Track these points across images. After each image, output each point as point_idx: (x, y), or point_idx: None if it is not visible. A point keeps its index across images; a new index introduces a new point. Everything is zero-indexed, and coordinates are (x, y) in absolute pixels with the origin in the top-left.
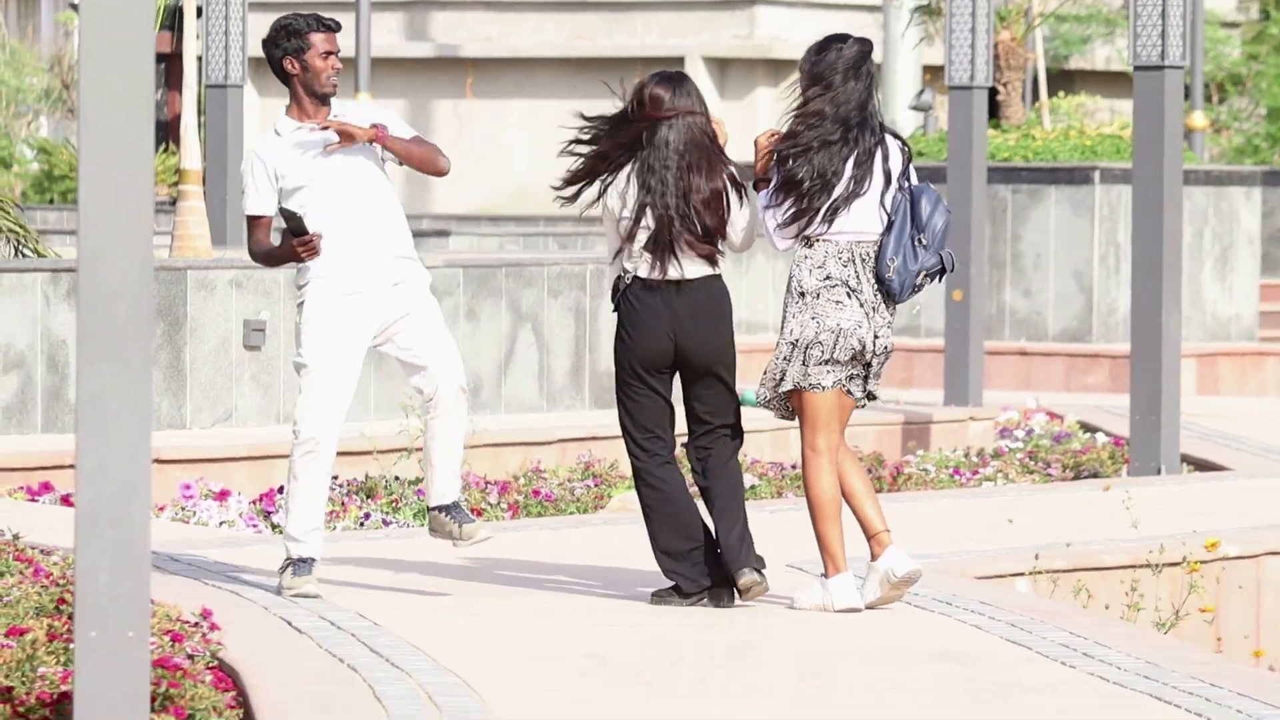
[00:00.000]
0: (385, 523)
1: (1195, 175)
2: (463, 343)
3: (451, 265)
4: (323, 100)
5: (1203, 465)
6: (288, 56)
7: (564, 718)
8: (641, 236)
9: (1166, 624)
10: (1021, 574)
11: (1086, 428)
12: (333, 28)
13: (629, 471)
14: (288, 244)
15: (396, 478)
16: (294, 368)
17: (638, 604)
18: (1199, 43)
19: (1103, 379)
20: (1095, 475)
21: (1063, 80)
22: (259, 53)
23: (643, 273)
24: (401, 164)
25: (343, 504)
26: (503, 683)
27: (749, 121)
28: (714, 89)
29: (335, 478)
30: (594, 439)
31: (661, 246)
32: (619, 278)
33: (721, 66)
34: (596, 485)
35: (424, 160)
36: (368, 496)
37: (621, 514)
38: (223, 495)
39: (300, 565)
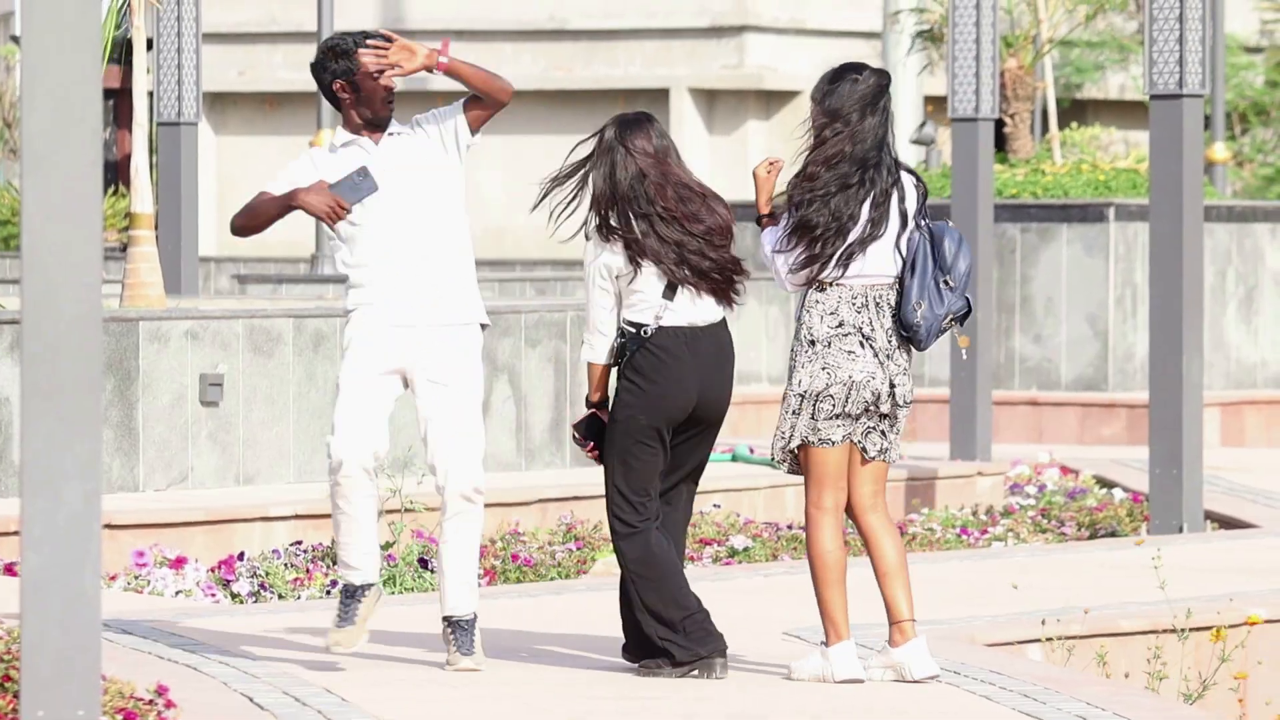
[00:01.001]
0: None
1: (1217, 211)
2: None
3: None
4: (378, 126)
5: (1228, 522)
6: (337, 80)
7: None
8: (655, 282)
9: (1193, 695)
10: (1035, 640)
11: (1103, 483)
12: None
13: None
14: (321, 193)
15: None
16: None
17: (623, 674)
18: (1219, 70)
19: (1120, 430)
20: (1113, 534)
21: (1074, 111)
22: (213, 88)
23: (669, 321)
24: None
25: (307, 570)
26: None
27: (739, 155)
28: (702, 121)
29: (299, 542)
30: (576, 499)
31: (689, 286)
32: (636, 331)
33: (709, 98)
34: (579, 548)
35: (490, 84)
36: (334, 563)
37: (605, 578)
38: (179, 563)
39: (347, 605)
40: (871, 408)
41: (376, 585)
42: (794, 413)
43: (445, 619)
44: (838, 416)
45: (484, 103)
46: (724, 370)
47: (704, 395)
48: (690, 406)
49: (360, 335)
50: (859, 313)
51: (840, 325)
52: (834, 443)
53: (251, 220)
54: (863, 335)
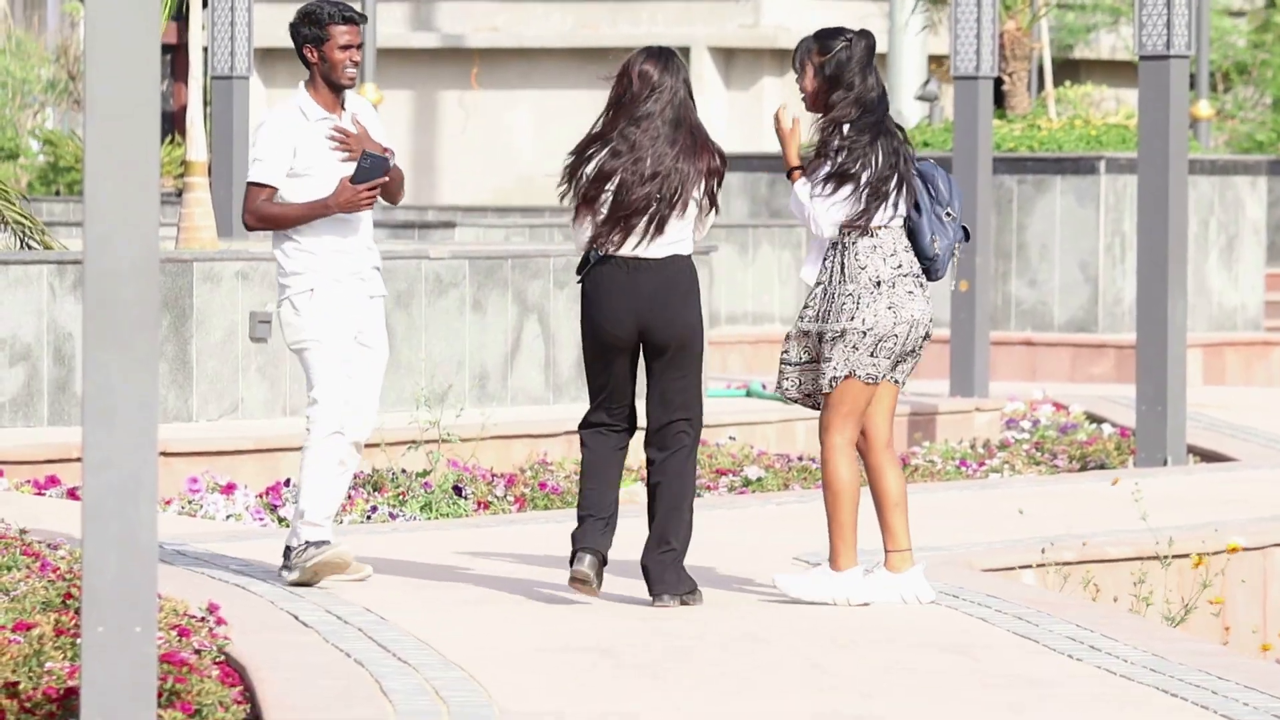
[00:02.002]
0: (392, 516)
1: (1201, 165)
2: (469, 334)
3: (457, 256)
4: (337, 90)
5: (1209, 456)
6: (307, 44)
7: (569, 710)
8: (603, 208)
9: (1176, 618)
10: (1029, 566)
11: (1093, 418)
12: (355, 20)
13: (634, 464)
14: (350, 190)
15: (404, 471)
16: (298, 353)
17: (645, 596)
18: (1205, 32)
19: (1109, 369)
20: (1102, 466)
21: (1068, 70)
22: (265, 44)
23: (607, 249)
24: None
25: (349, 496)
26: (509, 676)
27: (755, 110)
28: (720, 78)
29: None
30: None
31: (627, 221)
32: (588, 253)
33: (727, 56)
34: None
35: (396, 189)
36: (375, 489)
37: (629, 505)
38: (229, 489)
39: (321, 546)
40: (919, 344)
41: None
42: (853, 348)
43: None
44: (894, 353)
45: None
46: (669, 301)
47: (647, 323)
48: (626, 334)
49: (323, 294)
50: (906, 253)
51: (900, 267)
52: (877, 379)
53: (276, 228)
54: (915, 276)
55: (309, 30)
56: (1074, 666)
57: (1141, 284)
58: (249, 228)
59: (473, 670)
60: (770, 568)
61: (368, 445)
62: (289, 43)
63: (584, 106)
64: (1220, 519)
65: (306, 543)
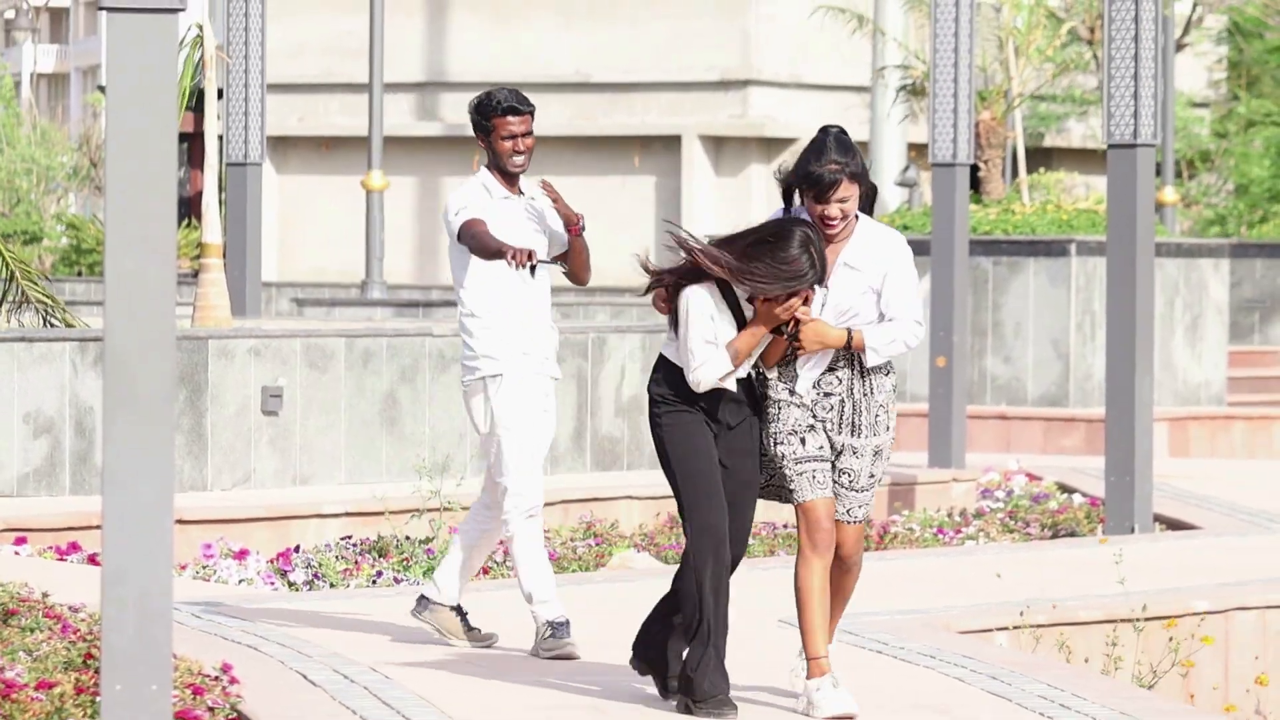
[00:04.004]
0: (396, 580)
1: (1167, 247)
2: None
3: (459, 334)
4: (509, 178)
5: (1174, 524)
6: (478, 133)
7: None
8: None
9: (1146, 681)
10: (1004, 628)
11: (1064, 488)
12: (520, 110)
13: (627, 532)
14: (508, 247)
15: (408, 537)
16: (493, 439)
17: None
18: (1170, 122)
19: (1079, 441)
20: (1072, 534)
21: (1040, 157)
22: (276, 132)
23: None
24: (558, 261)
25: (355, 562)
26: None
27: (743, 195)
28: (710, 165)
29: (349, 537)
30: (595, 499)
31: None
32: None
33: (717, 144)
34: (598, 544)
35: (586, 264)
36: (380, 555)
37: (622, 571)
38: (242, 554)
39: (560, 628)
40: None
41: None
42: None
43: (548, 622)
44: None
45: (569, 269)
46: None
47: None
48: None
49: (513, 383)
50: None
51: None
52: None
53: (473, 247)
54: None
55: (476, 119)
56: None
57: (1110, 360)
58: (466, 237)
59: None
60: (754, 629)
61: (373, 513)
62: (299, 130)
63: (580, 193)
64: (1186, 584)
65: (548, 623)
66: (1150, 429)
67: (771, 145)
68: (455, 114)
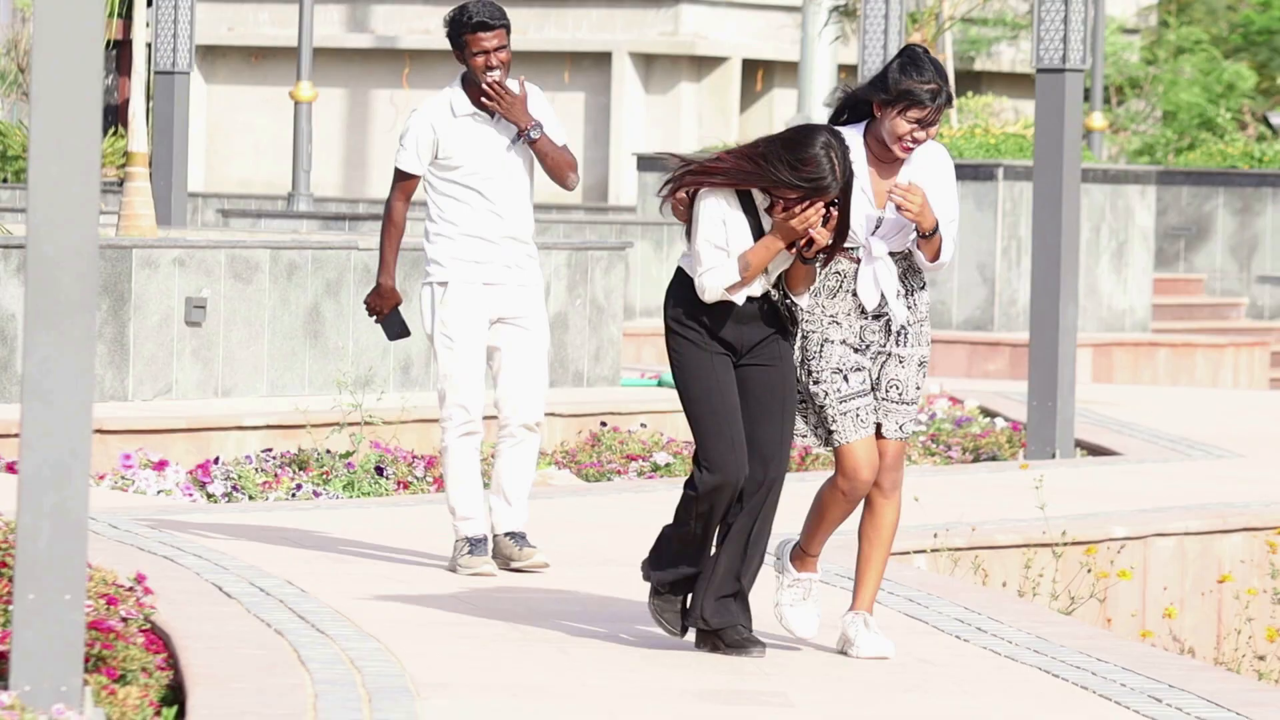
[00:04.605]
0: (316, 494)
1: (1093, 174)
2: None
3: None
4: (483, 91)
5: (1095, 450)
6: (454, 49)
7: (480, 680)
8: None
9: (1064, 607)
10: (921, 551)
11: (986, 412)
12: (493, 25)
13: (549, 449)
14: (375, 299)
15: (328, 451)
16: (433, 346)
17: (560, 573)
18: (1099, 47)
19: (1003, 366)
20: (994, 458)
21: (970, 81)
22: (206, 41)
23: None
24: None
25: (275, 475)
26: (423, 648)
27: (672, 115)
28: (640, 83)
29: (269, 450)
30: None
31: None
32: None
33: (647, 62)
34: None
35: (556, 168)
36: (300, 469)
37: (542, 488)
38: (161, 465)
39: (477, 545)
40: None
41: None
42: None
43: (506, 533)
44: None
45: (548, 173)
46: None
47: None
48: None
49: (458, 295)
50: None
51: None
52: None
53: (383, 232)
54: None
55: (450, 35)
56: (961, 647)
57: (1035, 286)
58: (386, 214)
59: (388, 642)
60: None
61: (293, 426)
62: (229, 40)
63: None
64: (1105, 509)
65: (466, 539)
66: (1074, 355)
67: (702, 64)
68: (386, 26)
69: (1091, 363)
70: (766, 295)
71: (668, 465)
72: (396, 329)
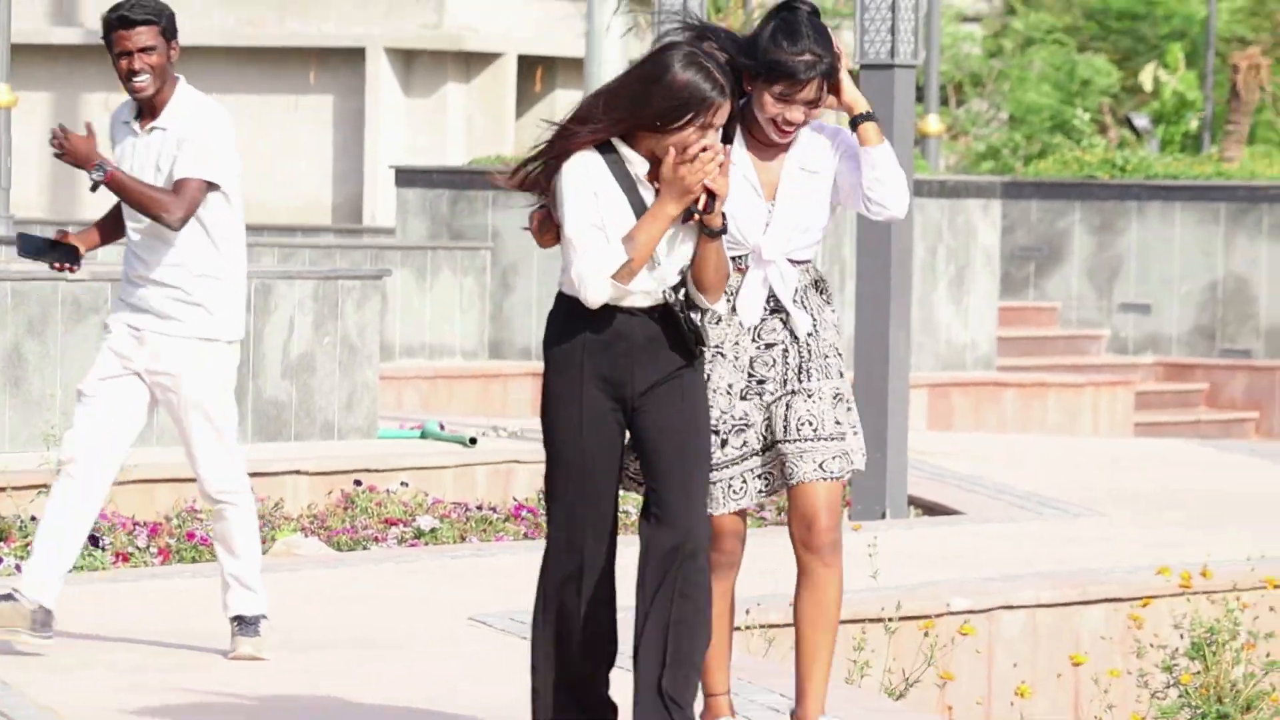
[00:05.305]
0: (18, 568)
1: (929, 186)
2: None
3: (99, 279)
4: (143, 105)
5: (932, 508)
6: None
7: None
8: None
9: (897, 690)
10: (735, 628)
11: None
12: (133, 20)
13: (294, 513)
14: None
15: (33, 518)
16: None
17: (302, 659)
18: (935, 40)
19: None
20: None
21: None
22: None
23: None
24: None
25: None
26: None
27: (438, 118)
28: (399, 83)
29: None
30: (257, 474)
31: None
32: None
33: (407, 58)
34: (260, 527)
35: (141, 209)
36: (0, 539)
37: (286, 559)
38: None
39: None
40: None
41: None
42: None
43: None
44: None
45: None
46: None
47: None
48: None
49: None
50: None
51: None
52: None
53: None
54: None
55: (103, 34)
56: None
57: (861, 317)
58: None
59: None
60: (442, 627)
61: None
62: None
63: (249, 113)
64: (943, 577)
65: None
66: (906, 397)
67: (470, 61)
68: (98, 19)
69: (927, 406)
70: (668, 312)
71: (433, 531)
72: (30, 248)
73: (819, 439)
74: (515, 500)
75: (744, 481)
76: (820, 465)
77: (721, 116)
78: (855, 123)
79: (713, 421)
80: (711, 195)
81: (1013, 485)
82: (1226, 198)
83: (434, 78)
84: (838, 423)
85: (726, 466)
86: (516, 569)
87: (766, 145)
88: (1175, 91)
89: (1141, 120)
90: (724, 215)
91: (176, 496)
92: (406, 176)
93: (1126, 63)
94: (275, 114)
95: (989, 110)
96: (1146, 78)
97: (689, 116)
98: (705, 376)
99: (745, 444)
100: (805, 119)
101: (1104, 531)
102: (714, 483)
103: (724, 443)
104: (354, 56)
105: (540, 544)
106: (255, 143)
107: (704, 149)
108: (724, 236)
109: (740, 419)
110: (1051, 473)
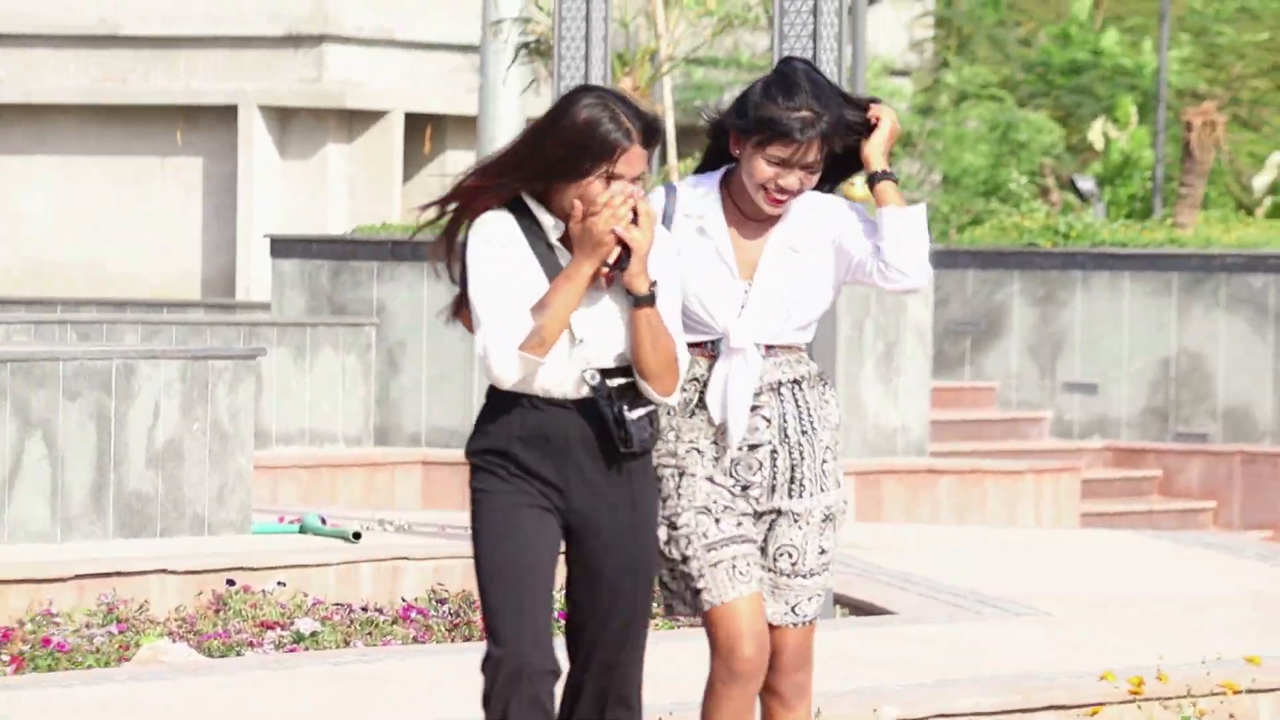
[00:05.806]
0: None
1: None
2: None
3: None
4: None
5: (860, 608)
6: None
7: None
8: None
9: None
10: None
11: None
12: None
13: (160, 615)
14: None
15: None
16: None
17: None
18: (859, 94)
19: None
20: None
21: (695, 137)
22: None
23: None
24: None
25: None
26: None
27: (317, 181)
28: (274, 143)
29: None
30: (118, 574)
31: None
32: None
33: (283, 116)
34: (121, 632)
35: None
36: None
37: (151, 667)
38: None
39: None
40: None
41: None
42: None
43: None
44: None
45: None
46: None
47: None
48: None
49: None
50: None
51: None
52: None
53: None
54: None
55: None
56: None
57: None
58: None
59: None
60: None
61: None
62: None
63: (110, 176)
64: (872, 684)
65: None
66: None
67: (354, 119)
68: None
69: (855, 495)
70: (610, 403)
71: (314, 634)
72: None
73: (796, 575)
74: (404, 601)
75: (748, 564)
76: (793, 609)
77: (631, 164)
78: (873, 181)
79: (702, 500)
80: (626, 248)
81: (949, 582)
82: (1180, 267)
83: (313, 137)
84: (822, 551)
85: (725, 545)
86: (406, 675)
87: (752, 219)
88: (1121, 150)
89: (1086, 183)
90: (653, 281)
91: (32, 598)
92: (283, 246)
93: (1069, 119)
94: (139, 177)
95: (920, 172)
96: (1096, 134)
97: (588, 163)
98: (680, 471)
99: (740, 526)
100: (801, 187)
101: (1049, 632)
102: (714, 564)
103: (717, 521)
104: (225, 114)
105: (432, 648)
106: (117, 209)
107: (614, 195)
108: (692, 318)
109: (729, 503)
110: (991, 568)
